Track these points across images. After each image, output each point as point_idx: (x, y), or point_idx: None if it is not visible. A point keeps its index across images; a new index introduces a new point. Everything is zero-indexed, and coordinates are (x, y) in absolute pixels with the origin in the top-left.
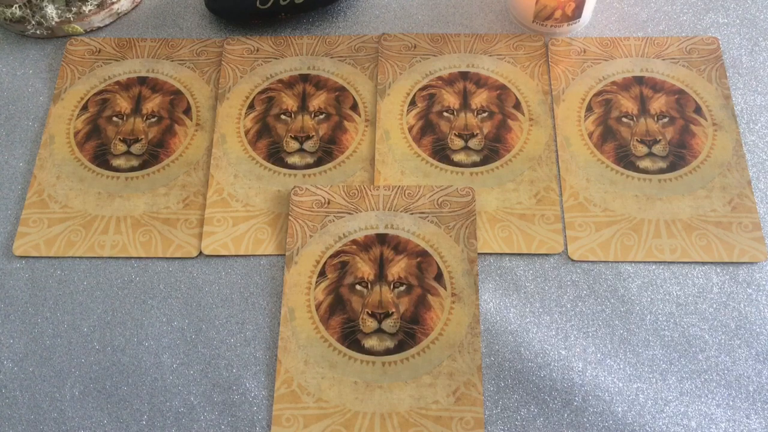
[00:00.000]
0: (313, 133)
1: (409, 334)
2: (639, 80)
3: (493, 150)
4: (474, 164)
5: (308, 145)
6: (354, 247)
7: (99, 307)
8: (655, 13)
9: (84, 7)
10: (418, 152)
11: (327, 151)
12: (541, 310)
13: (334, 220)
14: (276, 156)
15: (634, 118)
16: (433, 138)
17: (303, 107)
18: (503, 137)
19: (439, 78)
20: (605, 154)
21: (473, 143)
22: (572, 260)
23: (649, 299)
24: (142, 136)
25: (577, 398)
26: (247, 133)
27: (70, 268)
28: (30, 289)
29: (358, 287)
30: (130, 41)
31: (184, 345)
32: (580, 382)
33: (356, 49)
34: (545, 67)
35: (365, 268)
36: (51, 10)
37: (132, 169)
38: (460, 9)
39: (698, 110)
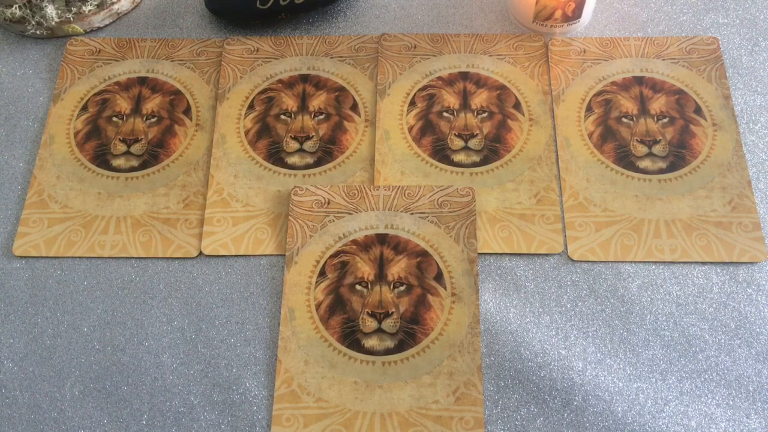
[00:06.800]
0: (313, 133)
1: (409, 333)
2: (639, 80)
3: (492, 150)
4: (474, 164)
5: (308, 145)
6: (354, 247)
7: (99, 307)
8: (655, 13)
9: (84, 7)
10: (418, 152)
11: (327, 151)
12: (541, 310)
13: (334, 220)
14: (276, 156)
15: (634, 119)
16: (433, 138)
17: (303, 107)
18: (503, 137)
19: (439, 78)
20: (605, 154)
21: (473, 143)
22: (572, 260)
23: (649, 299)
24: (142, 136)
25: (577, 398)
26: (247, 133)
27: (70, 268)
28: (30, 289)
29: (358, 287)
30: (130, 41)
31: (184, 345)
32: (580, 382)
33: (356, 49)
34: (545, 67)
35: (365, 268)
36: (51, 10)
37: (132, 169)
38: (460, 9)
39: (698, 110)
